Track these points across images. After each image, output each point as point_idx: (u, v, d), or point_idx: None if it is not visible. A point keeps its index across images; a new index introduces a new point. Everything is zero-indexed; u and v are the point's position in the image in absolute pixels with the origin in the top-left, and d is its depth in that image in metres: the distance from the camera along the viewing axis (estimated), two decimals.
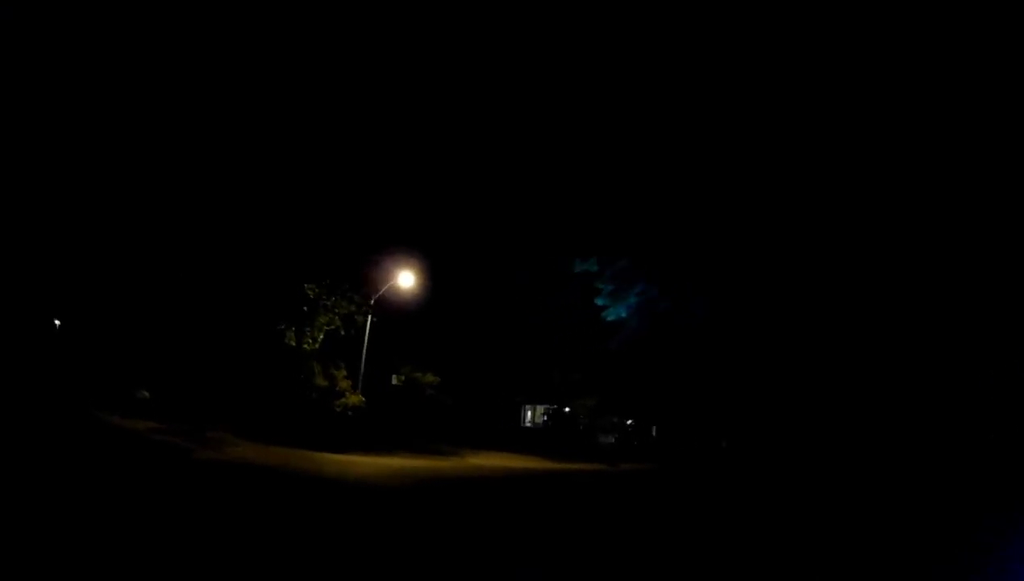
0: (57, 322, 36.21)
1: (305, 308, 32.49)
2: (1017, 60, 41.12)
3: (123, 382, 32.98)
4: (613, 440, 47.73)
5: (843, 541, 15.13)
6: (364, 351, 33.41)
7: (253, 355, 33.14)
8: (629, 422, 49.69)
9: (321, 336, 33.37)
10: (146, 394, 33.30)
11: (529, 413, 59.20)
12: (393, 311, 36.34)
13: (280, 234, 34.17)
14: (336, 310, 33.46)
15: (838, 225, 49.55)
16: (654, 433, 52.72)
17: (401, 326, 37.88)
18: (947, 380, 48.18)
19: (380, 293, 34.15)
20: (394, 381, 37.63)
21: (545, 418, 55.84)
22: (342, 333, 33.77)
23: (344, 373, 34.19)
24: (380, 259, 34.86)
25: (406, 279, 34.45)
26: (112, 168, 35.11)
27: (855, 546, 14.42)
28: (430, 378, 38.27)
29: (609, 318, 48.56)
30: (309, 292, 32.70)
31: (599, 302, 48.47)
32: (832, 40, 46.62)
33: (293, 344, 32.74)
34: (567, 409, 52.36)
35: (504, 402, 52.34)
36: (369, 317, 33.54)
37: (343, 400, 33.26)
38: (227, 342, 33.38)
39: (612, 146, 48.86)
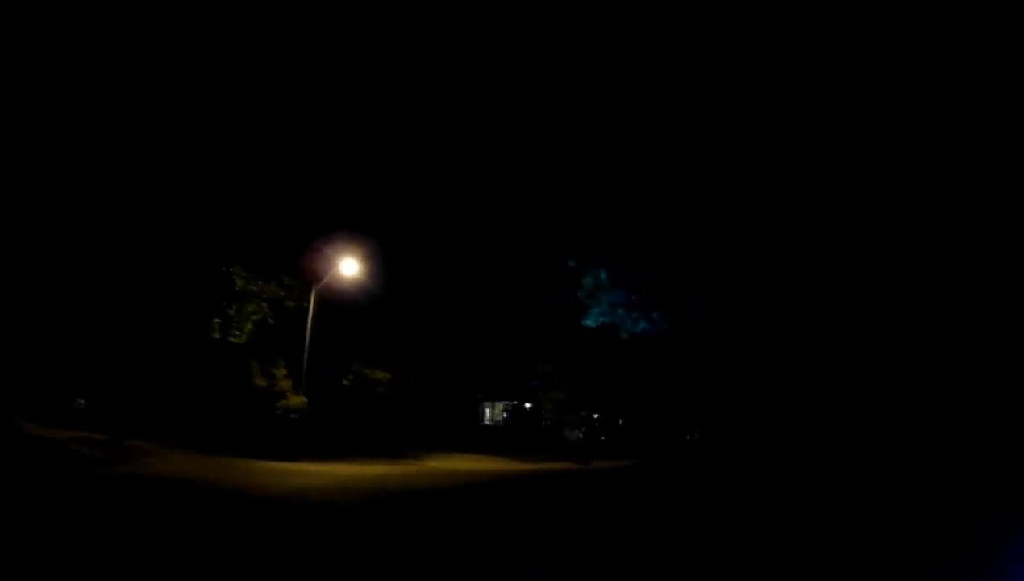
0: None
1: (231, 295, 28.92)
2: (1017, 60, 40.73)
3: (63, 391, 30.04)
4: (580, 435, 44.96)
5: (843, 542, 14.73)
6: (307, 346, 30.11)
7: (185, 355, 29.81)
8: (596, 415, 46.91)
9: (249, 326, 29.80)
10: (82, 403, 30.50)
11: (488, 411, 56.48)
12: (340, 303, 33.13)
13: (206, 216, 30.56)
14: (263, 295, 29.97)
15: (837, 225, 49.06)
16: (620, 424, 50.17)
17: (350, 320, 34.73)
18: (947, 380, 48.05)
19: (323, 282, 30.90)
20: (345, 382, 34.29)
21: (505, 415, 53.08)
22: (270, 321, 30.36)
23: (284, 371, 30.90)
24: (321, 246, 31.59)
25: (349, 267, 31.14)
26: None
27: (855, 547, 14.10)
28: (380, 375, 34.98)
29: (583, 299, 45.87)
30: (236, 278, 29.22)
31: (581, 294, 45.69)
32: (832, 40, 46.09)
33: (218, 337, 29.26)
34: (528, 405, 49.64)
35: (463, 400, 49.42)
36: (312, 307, 30.22)
37: (284, 402, 29.97)
38: (158, 343, 29.99)
39: (611, 143, 47.44)
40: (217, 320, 28.95)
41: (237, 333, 29.24)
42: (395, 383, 36.20)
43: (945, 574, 12.18)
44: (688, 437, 52.90)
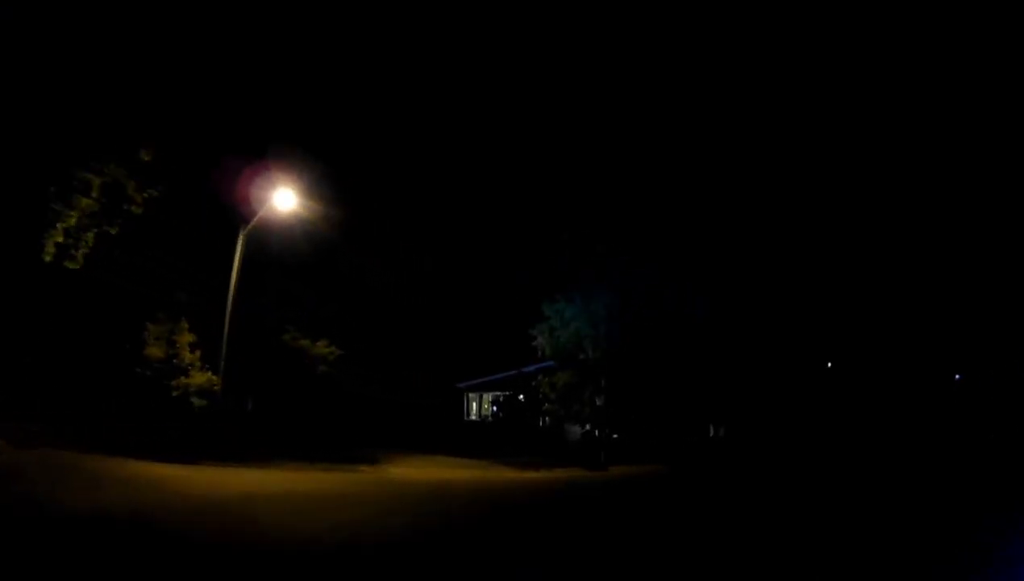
0: None
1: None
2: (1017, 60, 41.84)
3: None
4: (588, 431, 36.63)
5: (844, 541, 14.11)
6: (229, 303, 21.80)
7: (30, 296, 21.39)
8: (606, 407, 38.53)
9: (90, 239, 20.78)
10: None
11: (475, 404, 48.54)
12: (271, 250, 24.90)
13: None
14: (103, 182, 20.67)
15: (838, 224, 50.97)
16: (632, 419, 42.08)
17: (285, 273, 26.54)
18: (947, 380, 51.05)
19: (256, 220, 22.49)
20: (274, 355, 25.89)
21: (495, 409, 44.85)
22: (110, 230, 21.40)
23: (191, 338, 22.66)
24: (250, 171, 23.23)
25: (285, 200, 22.58)
26: None
27: (856, 546, 13.46)
28: (323, 348, 26.54)
29: None
30: (85, 172, 20.03)
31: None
32: (832, 40, 49.53)
33: (49, 259, 20.30)
34: (521, 397, 41.40)
35: (442, 389, 41.29)
36: (238, 255, 21.91)
37: (185, 380, 21.82)
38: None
39: (611, 142, 46.77)
40: (58, 238, 19.76)
41: (73, 252, 20.22)
42: (348, 360, 27.95)
43: (945, 574, 11.78)
44: (712, 433, 45.68)
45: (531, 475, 25.84)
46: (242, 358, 23.48)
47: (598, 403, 34.79)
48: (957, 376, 56.64)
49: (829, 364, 54.59)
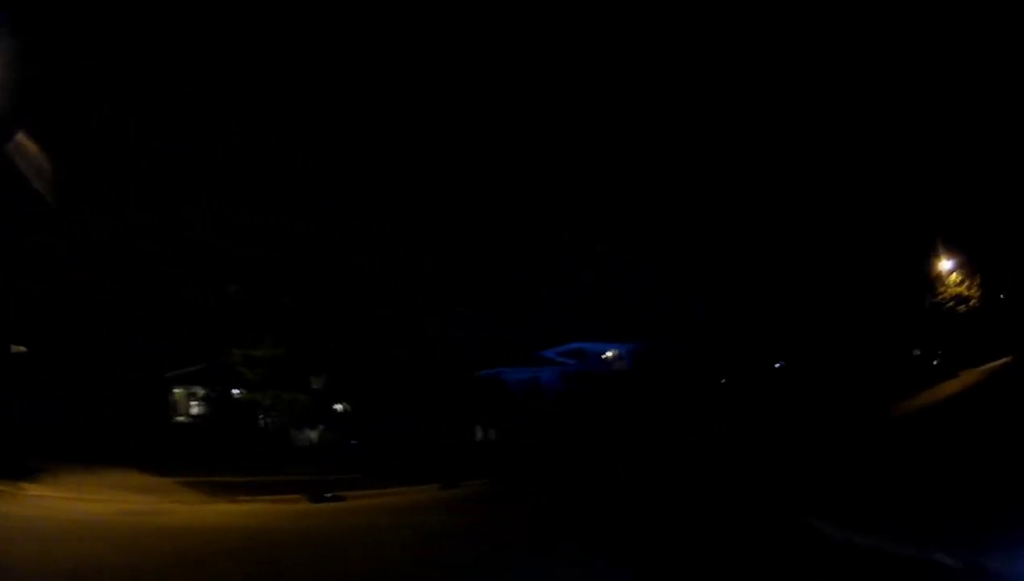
0: None
1: None
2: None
3: None
4: (324, 432, 29.81)
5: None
6: None
7: None
8: (340, 406, 31.44)
9: None
10: None
11: (185, 400, 41.03)
12: None
13: None
14: None
15: (835, 223, 52.71)
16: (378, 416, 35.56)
17: None
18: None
19: None
20: None
21: (208, 407, 37.84)
22: None
23: None
24: None
25: None
26: None
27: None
28: None
29: None
30: None
31: None
32: (832, 42, 49.37)
33: None
34: (236, 392, 34.28)
35: (141, 377, 34.06)
36: None
37: None
38: None
39: (612, 142, 50.85)
40: None
41: None
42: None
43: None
44: (480, 436, 40.77)
45: (216, 509, 19.40)
46: None
47: (315, 387, 27.60)
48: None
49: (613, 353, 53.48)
